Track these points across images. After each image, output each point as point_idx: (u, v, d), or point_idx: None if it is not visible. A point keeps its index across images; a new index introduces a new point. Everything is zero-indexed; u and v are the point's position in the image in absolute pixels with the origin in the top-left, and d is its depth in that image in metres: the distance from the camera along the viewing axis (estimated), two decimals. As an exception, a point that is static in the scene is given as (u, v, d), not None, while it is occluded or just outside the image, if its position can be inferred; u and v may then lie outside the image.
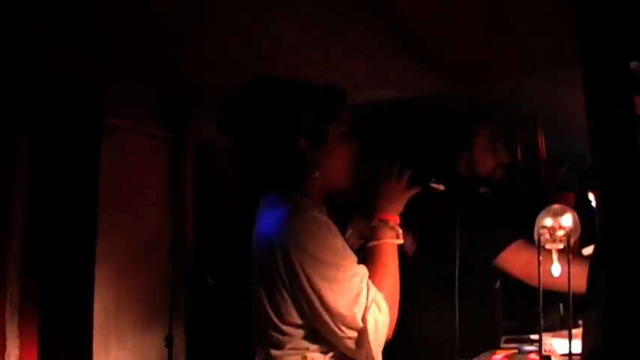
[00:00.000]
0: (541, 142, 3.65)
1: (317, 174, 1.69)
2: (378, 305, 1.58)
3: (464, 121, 2.62)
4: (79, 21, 2.81)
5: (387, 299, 1.61)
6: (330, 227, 1.61)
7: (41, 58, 2.88)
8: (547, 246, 1.57)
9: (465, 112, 2.68)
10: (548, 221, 1.57)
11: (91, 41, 3.03)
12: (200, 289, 3.60)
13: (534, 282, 2.04)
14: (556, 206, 1.59)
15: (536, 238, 1.58)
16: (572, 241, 1.54)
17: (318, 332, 1.60)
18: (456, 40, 2.97)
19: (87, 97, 3.16)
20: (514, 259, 2.25)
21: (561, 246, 1.56)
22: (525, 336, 2.61)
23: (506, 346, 2.54)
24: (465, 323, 2.09)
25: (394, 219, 1.74)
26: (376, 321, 1.56)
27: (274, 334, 1.61)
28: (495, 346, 2.32)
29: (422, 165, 1.83)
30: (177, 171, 3.87)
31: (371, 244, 1.72)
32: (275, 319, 1.60)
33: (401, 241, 1.73)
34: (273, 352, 1.63)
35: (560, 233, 1.55)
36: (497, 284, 2.51)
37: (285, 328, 1.60)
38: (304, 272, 1.53)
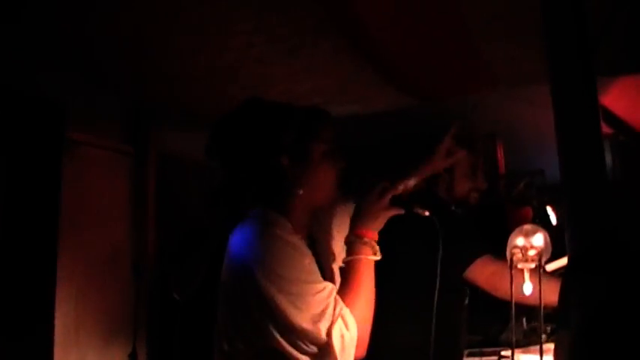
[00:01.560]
0: (500, 157, 3.68)
1: (300, 192, 1.69)
2: (344, 320, 1.57)
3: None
4: (41, 33, 2.76)
5: (357, 316, 1.61)
6: (296, 246, 1.61)
7: (1, 71, 2.83)
8: (519, 265, 1.60)
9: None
10: (520, 241, 1.61)
11: (53, 53, 2.98)
12: (164, 305, 3.57)
13: (499, 293, 2.21)
14: (527, 226, 1.63)
15: (508, 257, 1.61)
16: (543, 260, 1.58)
17: (274, 354, 1.57)
18: (419, 57, 3.00)
19: (48, 110, 3.10)
20: (481, 272, 2.30)
21: (533, 265, 1.59)
22: (490, 349, 2.76)
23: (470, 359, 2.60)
24: (430, 335, 2.08)
25: (371, 235, 1.74)
26: (342, 336, 1.55)
27: (230, 350, 1.61)
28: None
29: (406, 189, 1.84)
30: (140, 185, 3.81)
31: (345, 259, 1.73)
32: (236, 340, 1.59)
33: (377, 257, 1.72)
34: None
35: (531, 253, 1.59)
36: (466, 300, 2.53)
37: (242, 346, 1.59)
38: (267, 290, 1.53)
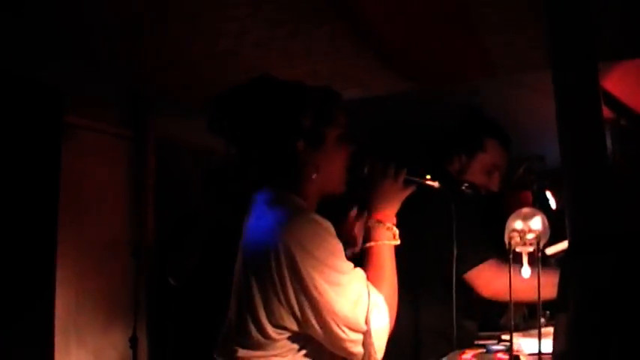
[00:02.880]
0: None
1: (314, 176, 1.67)
2: (378, 307, 1.57)
3: (482, 131, 2.58)
4: (39, 17, 2.73)
5: (386, 301, 1.61)
6: (331, 230, 1.58)
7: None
8: (517, 249, 1.59)
9: (491, 124, 2.64)
10: (519, 224, 1.59)
11: (52, 38, 2.95)
12: (163, 290, 3.52)
13: (500, 299, 2.24)
14: (526, 209, 1.61)
15: (506, 241, 1.60)
16: (541, 243, 1.56)
17: (305, 340, 1.58)
18: (419, 41, 2.97)
19: (46, 94, 3.07)
20: (479, 278, 2.30)
21: (531, 249, 1.57)
22: (488, 333, 2.66)
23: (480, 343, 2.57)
24: (452, 318, 2.15)
25: (391, 220, 1.75)
26: (378, 323, 1.56)
27: (257, 335, 1.58)
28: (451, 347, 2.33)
29: (417, 164, 1.85)
30: (139, 169, 3.80)
31: (367, 245, 1.72)
32: (264, 321, 1.56)
33: (397, 242, 1.73)
34: (251, 352, 1.60)
35: (530, 236, 1.57)
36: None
37: (272, 331, 1.56)
38: (310, 275, 1.50)
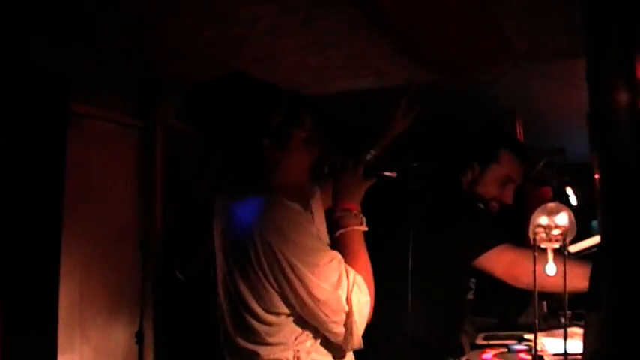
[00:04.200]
0: (520, 134, 3.62)
1: (275, 173, 1.75)
2: (359, 286, 1.63)
3: (497, 142, 2.54)
4: (46, 3, 2.69)
5: (365, 280, 1.66)
6: (303, 214, 1.66)
7: (5, 43, 2.77)
8: (542, 245, 1.56)
9: (508, 137, 2.65)
10: (544, 220, 1.56)
11: (58, 25, 2.92)
12: (170, 283, 3.52)
13: (519, 283, 2.15)
14: (551, 205, 1.58)
15: (531, 237, 1.57)
16: (567, 240, 1.53)
17: (304, 320, 1.64)
18: (436, 30, 2.92)
19: (53, 82, 3.03)
20: (497, 261, 2.22)
21: (557, 245, 1.55)
22: (507, 332, 2.69)
23: (485, 342, 2.60)
24: (429, 321, 2.21)
25: (356, 207, 1.82)
26: (359, 301, 1.61)
27: (258, 326, 1.63)
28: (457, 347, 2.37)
29: (375, 157, 2.01)
30: (147, 160, 3.76)
31: (339, 232, 1.77)
32: (259, 311, 1.62)
33: (365, 228, 1.80)
34: (258, 348, 1.64)
35: (555, 232, 1.54)
36: (469, 294, 2.49)
37: (270, 318, 1.62)
38: (286, 259, 1.56)
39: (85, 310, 3.30)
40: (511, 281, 2.19)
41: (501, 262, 2.21)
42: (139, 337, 3.41)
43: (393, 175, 1.89)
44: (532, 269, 1.57)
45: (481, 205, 2.46)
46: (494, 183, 2.48)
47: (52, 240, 3.02)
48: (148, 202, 3.73)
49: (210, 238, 1.86)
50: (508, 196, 2.50)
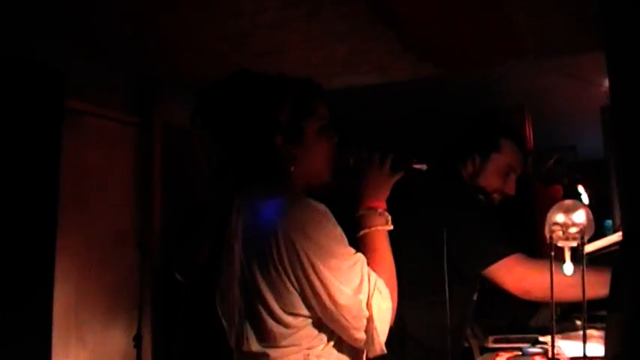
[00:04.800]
0: (529, 131, 3.57)
1: (292, 169, 1.69)
2: (380, 291, 1.59)
3: (496, 129, 2.49)
4: (43, 1, 2.67)
5: (387, 285, 1.63)
6: (329, 215, 1.60)
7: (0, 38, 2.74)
8: (559, 244, 1.53)
9: (505, 125, 2.57)
10: (560, 217, 1.53)
11: (54, 21, 2.90)
12: (169, 286, 3.49)
13: (530, 297, 2.13)
14: (568, 202, 1.55)
15: (547, 235, 1.54)
16: (586, 238, 1.51)
17: (321, 324, 1.60)
18: (443, 24, 2.89)
19: (47, 78, 3.00)
20: (508, 273, 2.16)
21: (574, 244, 1.52)
22: (518, 335, 2.63)
23: (496, 346, 2.52)
24: (434, 323, 2.13)
25: (381, 205, 1.76)
26: (380, 307, 1.58)
27: (275, 327, 1.59)
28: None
29: (402, 149, 1.86)
30: (145, 157, 3.72)
31: (362, 232, 1.73)
32: (278, 311, 1.57)
33: (390, 227, 1.75)
34: (269, 350, 1.61)
35: (573, 230, 1.52)
36: (475, 296, 2.42)
37: (288, 319, 1.58)
38: (309, 260, 1.52)
39: (80, 312, 3.25)
40: (523, 295, 2.15)
41: (511, 275, 2.16)
42: (137, 340, 3.33)
43: (424, 167, 1.82)
44: (544, 283, 1.56)
45: (482, 198, 2.41)
46: (497, 174, 2.43)
47: (46, 240, 2.98)
48: (146, 201, 3.68)
49: (214, 238, 1.80)
50: (511, 187, 2.44)
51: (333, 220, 1.60)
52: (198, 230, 2.41)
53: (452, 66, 3.31)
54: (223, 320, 1.73)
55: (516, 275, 2.15)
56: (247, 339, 1.63)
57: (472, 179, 2.44)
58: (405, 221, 1.98)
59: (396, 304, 1.65)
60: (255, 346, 1.62)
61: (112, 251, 3.47)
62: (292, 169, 1.69)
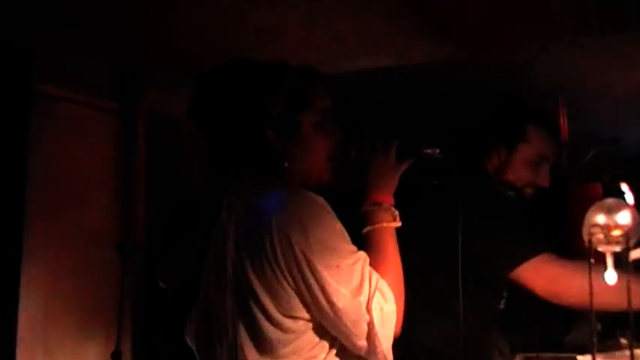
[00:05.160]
0: (563, 121, 3.42)
1: (286, 164, 1.66)
2: (382, 293, 1.55)
3: (522, 118, 2.39)
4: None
5: (392, 287, 1.59)
6: (328, 208, 1.56)
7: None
8: (600, 248, 1.45)
9: (532, 109, 2.48)
10: (601, 218, 1.45)
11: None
12: (151, 294, 3.31)
13: (561, 301, 2.06)
14: (610, 201, 1.48)
15: (585, 238, 1.46)
16: (631, 242, 1.44)
17: (323, 329, 1.57)
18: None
19: (13, 58, 2.92)
20: (536, 275, 2.09)
21: (618, 248, 1.44)
22: (551, 354, 2.59)
23: None
24: (450, 334, 2.03)
25: (388, 199, 1.73)
26: (382, 310, 1.53)
27: (273, 332, 1.54)
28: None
29: (410, 134, 1.83)
30: (127, 148, 3.53)
31: (366, 229, 1.69)
32: (275, 314, 1.53)
33: (398, 224, 1.71)
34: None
35: (616, 233, 1.44)
36: (501, 304, 2.36)
37: (288, 323, 1.53)
38: (305, 258, 1.48)
39: (50, 328, 3.09)
40: (552, 299, 2.08)
41: (540, 276, 2.09)
42: (116, 358, 3.15)
43: (436, 153, 1.76)
44: (576, 286, 1.63)
45: (512, 194, 2.34)
46: (526, 166, 2.35)
47: (11, 243, 2.89)
48: (128, 197, 3.50)
49: (203, 241, 1.70)
50: (544, 178, 2.37)
51: (333, 213, 1.56)
52: (185, 231, 2.24)
53: (476, 47, 3.15)
54: (214, 331, 1.64)
55: (546, 276, 2.09)
56: (243, 348, 1.57)
57: (498, 174, 2.36)
58: (418, 219, 1.98)
59: (402, 309, 1.61)
60: (252, 356, 1.56)
61: (88, 255, 3.32)
62: (286, 164, 1.66)
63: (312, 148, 1.70)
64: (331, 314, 1.50)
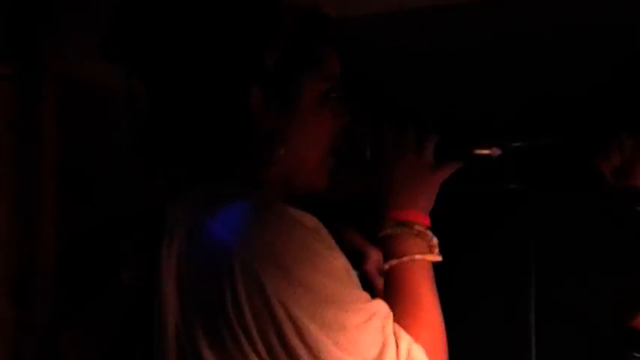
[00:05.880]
0: None
1: (282, 151, 1.27)
2: None
3: None
4: None
5: (430, 352, 1.23)
6: (322, 235, 1.18)
7: None
8: None
9: None
10: None
11: None
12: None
13: None
14: None
15: None
16: None
17: None
18: None
19: None
20: None
21: None
22: None
23: None
24: None
25: (422, 219, 1.35)
26: None
27: None
28: None
29: (458, 121, 1.68)
30: (27, 131, 2.75)
31: (387, 264, 1.35)
32: None
33: (437, 258, 1.34)
34: None
35: None
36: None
37: None
38: (290, 316, 1.09)
39: None
40: None
41: None
42: None
43: (496, 153, 1.43)
44: None
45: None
46: None
47: None
48: (28, 211, 2.68)
49: (138, 279, 1.31)
50: None
51: (330, 241, 1.21)
52: (114, 264, 1.78)
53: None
54: None
55: None
56: None
57: (620, 177, 2.17)
58: (475, 252, 1.91)
59: None
60: None
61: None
62: (282, 151, 1.27)
63: (310, 130, 1.32)
64: None
